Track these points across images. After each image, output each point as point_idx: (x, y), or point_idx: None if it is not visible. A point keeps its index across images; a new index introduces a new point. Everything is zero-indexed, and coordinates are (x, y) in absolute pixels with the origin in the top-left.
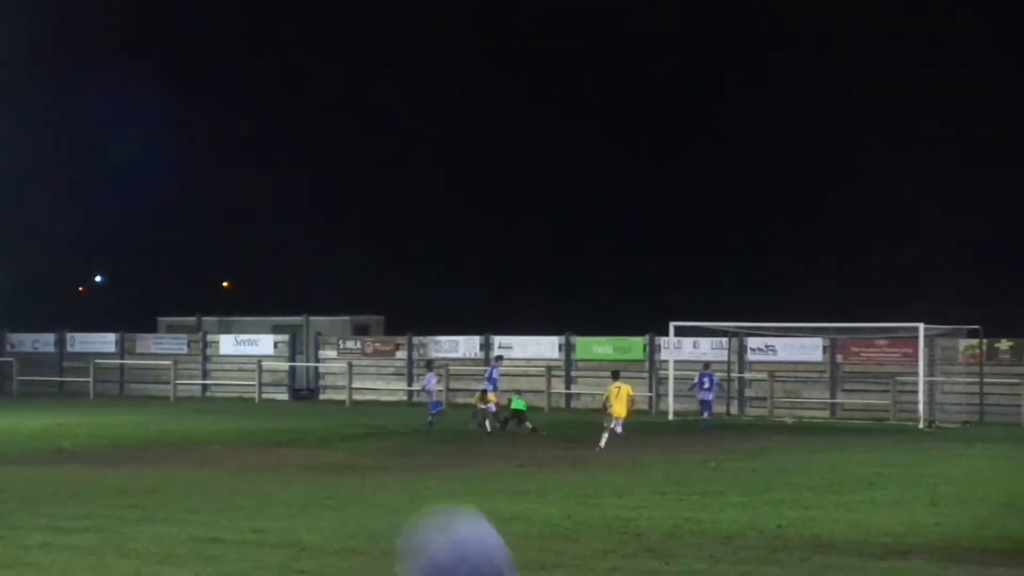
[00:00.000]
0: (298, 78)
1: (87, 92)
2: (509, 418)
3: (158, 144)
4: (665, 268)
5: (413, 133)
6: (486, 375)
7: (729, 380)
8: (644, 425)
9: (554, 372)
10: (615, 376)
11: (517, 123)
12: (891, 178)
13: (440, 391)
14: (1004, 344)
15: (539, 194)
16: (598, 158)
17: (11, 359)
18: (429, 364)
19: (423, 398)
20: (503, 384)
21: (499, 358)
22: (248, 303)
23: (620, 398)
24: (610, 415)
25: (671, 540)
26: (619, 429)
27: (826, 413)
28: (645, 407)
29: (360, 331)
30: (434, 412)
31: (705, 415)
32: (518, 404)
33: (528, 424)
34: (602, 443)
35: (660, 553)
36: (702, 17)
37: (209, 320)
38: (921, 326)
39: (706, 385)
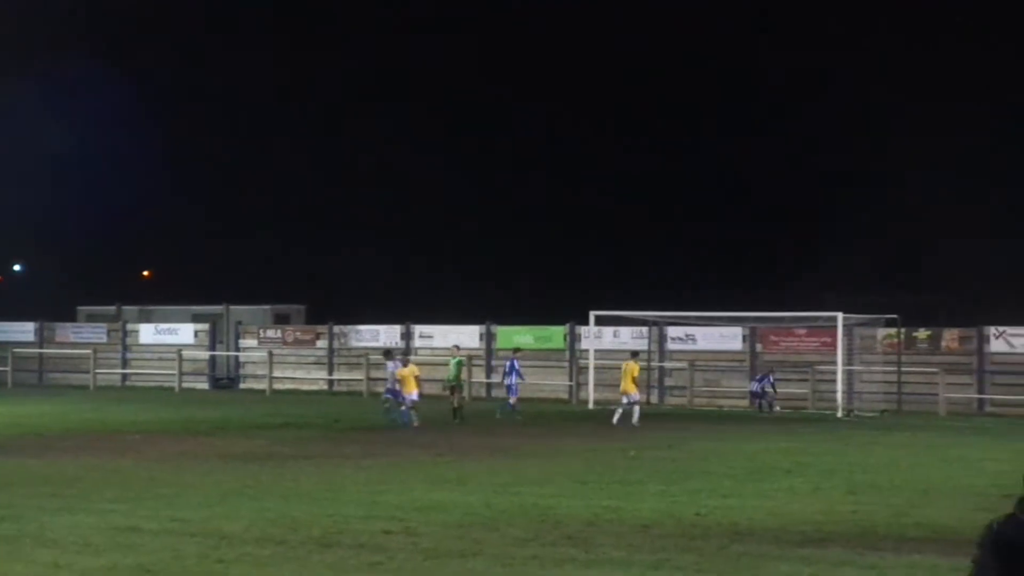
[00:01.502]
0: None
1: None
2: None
3: (81, 132)
4: (586, 257)
5: (339, 112)
6: (506, 368)
7: (649, 369)
8: (564, 414)
9: (475, 361)
10: (634, 356)
11: (446, 111)
12: (811, 164)
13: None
14: (922, 333)
15: (462, 181)
16: (525, 146)
17: None
18: (388, 353)
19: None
20: (426, 372)
21: (517, 350)
22: (168, 292)
23: (625, 376)
24: (624, 392)
25: (590, 528)
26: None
27: (745, 402)
28: (565, 396)
29: (281, 320)
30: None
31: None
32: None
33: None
34: (615, 419)
35: (579, 541)
36: None
37: (129, 309)
38: (840, 315)
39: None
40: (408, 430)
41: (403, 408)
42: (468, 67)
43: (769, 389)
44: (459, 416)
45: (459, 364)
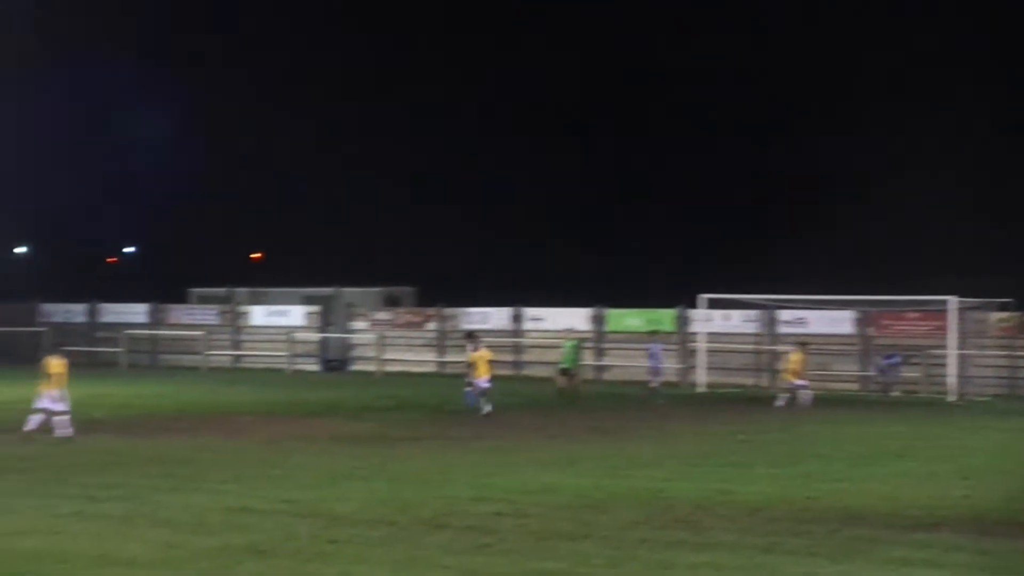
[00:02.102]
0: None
1: (106, 67)
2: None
3: (191, 116)
4: (697, 240)
5: (447, 104)
6: (650, 352)
7: (759, 352)
8: (675, 398)
9: (586, 344)
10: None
11: (550, 98)
12: (930, 147)
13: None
14: None
15: (572, 166)
16: (634, 130)
17: (43, 329)
18: (470, 336)
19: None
20: (537, 355)
21: (655, 332)
22: (279, 274)
23: (790, 363)
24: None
25: (700, 511)
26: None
27: (856, 386)
28: (675, 379)
29: (391, 302)
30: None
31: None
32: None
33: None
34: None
35: (689, 524)
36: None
37: (240, 291)
38: (952, 299)
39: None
40: (475, 415)
41: (468, 391)
42: (584, 66)
43: (894, 369)
44: (571, 399)
45: (574, 347)
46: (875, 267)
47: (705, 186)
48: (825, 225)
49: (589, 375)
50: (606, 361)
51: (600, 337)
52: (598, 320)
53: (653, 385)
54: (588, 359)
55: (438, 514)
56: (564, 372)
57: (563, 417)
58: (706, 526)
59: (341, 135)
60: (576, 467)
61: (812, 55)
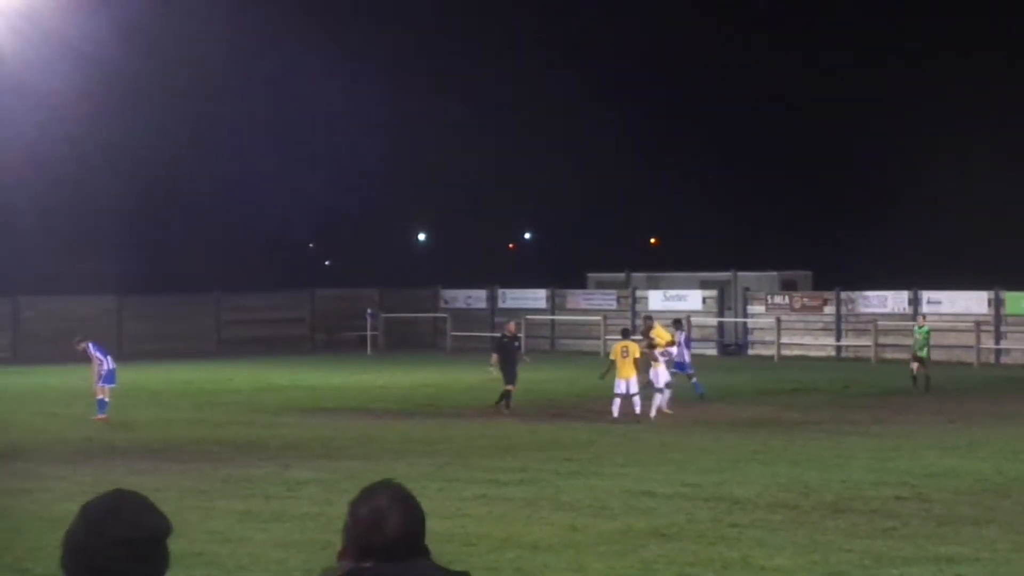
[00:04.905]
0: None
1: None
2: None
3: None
4: None
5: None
6: None
7: None
8: None
9: (983, 328)
10: None
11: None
12: None
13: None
14: None
15: (968, 144)
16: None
17: (445, 315)
18: (677, 323)
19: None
20: (936, 339)
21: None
22: (676, 259)
23: None
24: None
25: None
26: None
27: None
28: None
29: (788, 286)
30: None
31: None
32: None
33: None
34: None
35: None
36: None
37: (638, 276)
38: None
39: None
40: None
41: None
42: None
43: None
44: (924, 387)
45: (926, 334)
46: None
47: None
48: None
49: (988, 359)
50: (1004, 344)
51: (999, 320)
52: (996, 303)
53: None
54: (986, 343)
55: (840, 498)
56: (918, 359)
57: (962, 401)
58: None
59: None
60: (977, 452)
61: None
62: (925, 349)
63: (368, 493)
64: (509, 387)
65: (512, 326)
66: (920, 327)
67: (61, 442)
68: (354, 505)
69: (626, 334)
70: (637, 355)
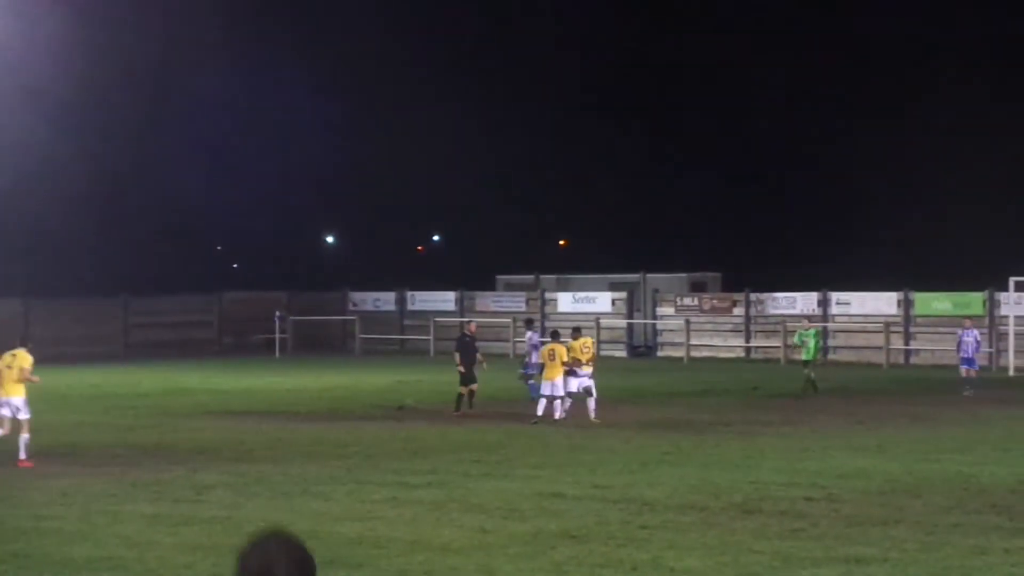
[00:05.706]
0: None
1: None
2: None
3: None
4: (1006, 220)
5: (754, 93)
6: (961, 339)
7: None
8: (985, 381)
9: (892, 328)
10: None
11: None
12: None
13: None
14: None
15: (875, 152)
16: (945, 113)
17: (354, 318)
18: (529, 323)
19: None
20: (843, 340)
21: (968, 318)
22: (585, 261)
23: None
24: None
25: (1015, 496)
26: None
27: None
28: (985, 363)
29: (697, 288)
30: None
31: None
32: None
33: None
34: None
35: (1004, 509)
36: None
37: (547, 278)
38: None
39: None
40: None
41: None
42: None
43: None
44: (812, 388)
45: (814, 336)
46: None
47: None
48: None
49: (896, 359)
50: (914, 345)
51: (907, 321)
52: (906, 303)
53: (966, 375)
54: (896, 343)
55: (749, 499)
56: (805, 363)
57: (871, 402)
58: (1021, 511)
59: (658, 127)
60: (886, 452)
61: None
62: (813, 351)
63: (257, 543)
64: (464, 388)
65: (472, 326)
66: (807, 330)
67: None
68: (243, 556)
69: (555, 336)
70: (565, 358)
